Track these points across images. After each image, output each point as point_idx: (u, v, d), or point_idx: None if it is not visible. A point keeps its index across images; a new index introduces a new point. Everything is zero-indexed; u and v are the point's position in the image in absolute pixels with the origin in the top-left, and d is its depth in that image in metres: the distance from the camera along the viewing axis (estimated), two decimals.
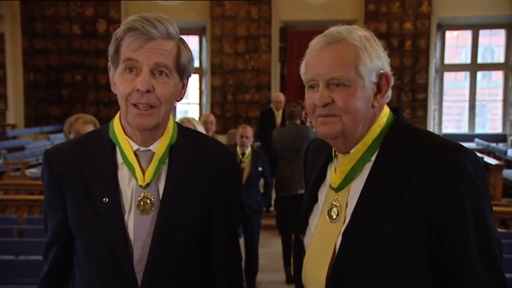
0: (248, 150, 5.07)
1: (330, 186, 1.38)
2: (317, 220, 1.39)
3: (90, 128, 3.29)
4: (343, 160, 1.35)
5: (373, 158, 1.31)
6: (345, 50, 1.27)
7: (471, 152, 1.24)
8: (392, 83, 1.34)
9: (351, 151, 1.33)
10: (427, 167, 1.21)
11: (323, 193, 1.41)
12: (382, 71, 1.31)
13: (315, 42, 1.32)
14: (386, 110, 1.36)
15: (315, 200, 1.44)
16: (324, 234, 1.34)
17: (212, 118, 5.74)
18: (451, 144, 1.25)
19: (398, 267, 1.22)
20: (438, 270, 1.24)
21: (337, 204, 1.33)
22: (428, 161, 1.21)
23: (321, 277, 1.30)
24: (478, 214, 1.20)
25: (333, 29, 1.32)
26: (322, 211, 1.38)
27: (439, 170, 1.20)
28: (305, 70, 1.35)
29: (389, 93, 1.35)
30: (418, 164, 1.22)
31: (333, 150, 1.41)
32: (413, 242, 1.22)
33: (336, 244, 1.29)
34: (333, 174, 1.37)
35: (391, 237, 1.21)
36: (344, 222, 1.30)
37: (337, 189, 1.34)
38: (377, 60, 1.29)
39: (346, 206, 1.32)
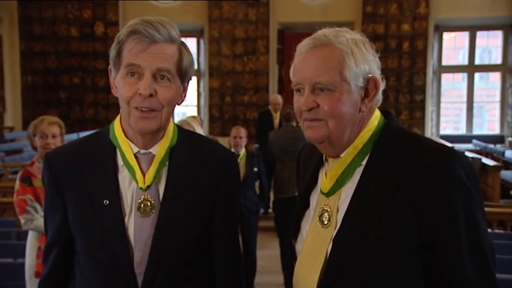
0: (242, 152, 5.09)
1: (320, 191, 1.36)
2: (309, 225, 1.38)
3: (55, 129, 3.28)
4: (333, 164, 1.34)
5: (363, 162, 1.30)
6: (330, 54, 1.26)
7: (463, 155, 1.22)
8: (382, 87, 1.32)
9: (341, 155, 1.32)
10: (419, 171, 1.19)
11: (314, 198, 1.40)
12: (369, 75, 1.29)
13: (302, 46, 1.31)
14: (377, 114, 1.35)
15: (307, 205, 1.43)
16: (316, 239, 1.32)
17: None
18: (442, 148, 1.24)
19: (390, 272, 1.21)
20: (430, 275, 1.23)
21: (328, 210, 1.32)
22: (419, 165, 1.20)
23: (312, 283, 1.28)
24: (470, 218, 1.19)
25: (320, 32, 1.30)
26: (313, 216, 1.37)
27: (430, 174, 1.19)
28: (293, 73, 1.34)
29: (380, 97, 1.33)
30: (409, 168, 1.21)
31: (324, 154, 1.39)
32: (404, 247, 1.20)
33: (327, 250, 1.28)
34: (324, 179, 1.36)
35: (382, 242, 1.20)
36: (335, 228, 1.29)
37: (328, 194, 1.33)
38: (364, 64, 1.27)
39: (337, 211, 1.30)
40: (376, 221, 1.21)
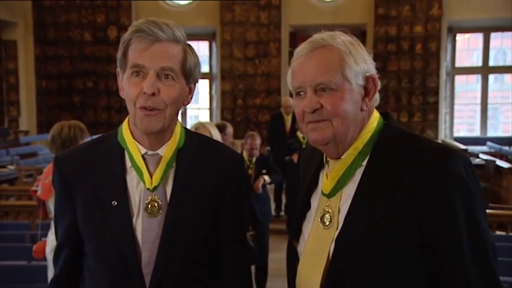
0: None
1: (322, 192, 1.37)
2: (310, 227, 1.38)
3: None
4: (334, 166, 1.35)
5: (364, 163, 1.31)
6: (329, 54, 1.29)
7: (463, 154, 1.23)
8: (379, 86, 1.34)
9: (342, 156, 1.33)
10: (419, 171, 1.20)
11: (315, 200, 1.41)
12: (368, 74, 1.31)
13: (300, 50, 1.33)
14: (376, 115, 1.36)
15: (308, 207, 1.44)
16: (318, 240, 1.33)
17: (230, 127, 5.74)
18: (442, 147, 1.25)
19: (392, 272, 1.22)
20: (432, 275, 1.23)
21: (330, 211, 1.33)
22: (419, 164, 1.21)
23: (315, 284, 1.29)
24: (471, 217, 1.20)
25: (317, 36, 1.33)
26: (315, 218, 1.38)
27: (431, 172, 1.19)
28: (292, 78, 1.35)
29: (377, 96, 1.35)
30: (410, 168, 1.22)
31: (324, 156, 1.41)
32: (406, 247, 1.21)
33: (329, 250, 1.29)
34: (325, 180, 1.37)
35: (384, 242, 1.21)
36: (337, 228, 1.30)
37: (329, 195, 1.34)
38: (362, 63, 1.30)
39: (339, 211, 1.31)
40: (377, 220, 1.22)
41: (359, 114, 1.31)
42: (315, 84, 1.28)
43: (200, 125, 3.36)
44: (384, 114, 1.39)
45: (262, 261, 4.99)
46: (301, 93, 1.32)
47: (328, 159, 1.39)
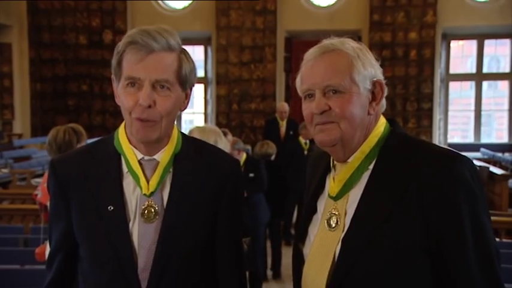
0: (243, 158, 5.04)
1: (328, 195, 1.39)
2: (316, 229, 1.40)
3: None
4: (341, 169, 1.37)
5: (371, 167, 1.33)
6: (338, 58, 1.32)
7: (467, 159, 1.26)
8: (386, 92, 1.37)
9: (349, 160, 1.36)
10: (425, 175, 1.23)
11: (322, 203, 1.43)
12: (375, 79, 1.35)
13: (310, 53, 1.37)
14: (382, 120, 1.39)
15: (314, 210, 1.46)
16: (324, 242, 1.35)
17: (230, 136, 5.69)
18: (447, 152, 1.28)
19: (397, 273, 1.24)
20: (437, 276, 1.25)
21: (336, 213, 1.35)
22: (425, 169, 1.23)
23: (321, 285, 1.31)
24: (476, 220, 1.23)
25: (326, 41, 1.37)
26: (321, 220, 1.40)
27: (437, 176, 1.22)
28: (301, 81, 1.38)
29: (384, 102, 1.38)
30: (416, 172, 1.24)
31: (331, 160, 1.43)
32: (411, 249, 1.23)
33: (335, 252, 1.31)
34: (332, 184, 1.39)
35: (390, 244, 1.23)
36: (343, 230, 1.32)
37: (336, 198, 1.36)
38: (370, 67, 1.33)
39: (345, 214, 1.34)
40: (383, 222, 1.24)
41: (366, 118, 1.34)
42: (324, 86, 1.31)
43: (203, 129, 3.31)
44: (389, 120, 1.42)
45: (254, 266, 4.97)
46: (310, 95, 1.35)
47: (335, 163, 1.41)
